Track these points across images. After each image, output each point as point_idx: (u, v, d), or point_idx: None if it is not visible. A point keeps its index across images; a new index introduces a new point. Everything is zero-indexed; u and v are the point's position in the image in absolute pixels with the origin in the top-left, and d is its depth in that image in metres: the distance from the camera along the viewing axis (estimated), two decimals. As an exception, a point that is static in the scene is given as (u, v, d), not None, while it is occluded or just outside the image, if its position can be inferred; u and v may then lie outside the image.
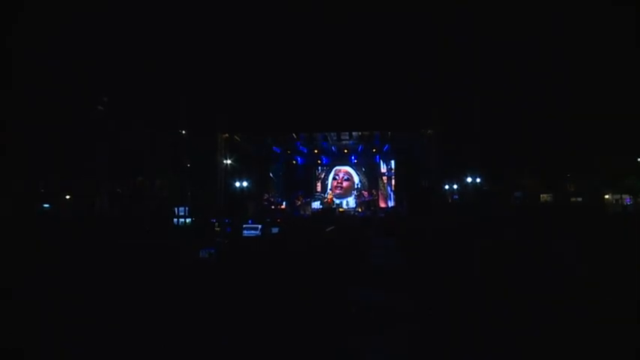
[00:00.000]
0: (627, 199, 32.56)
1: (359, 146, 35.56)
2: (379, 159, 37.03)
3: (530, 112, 28.09)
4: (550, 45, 26.37)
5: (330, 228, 20.26)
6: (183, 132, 29.37)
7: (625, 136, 27.60)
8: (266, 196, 36.26)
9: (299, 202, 35.98)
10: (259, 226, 21.46)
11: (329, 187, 37.84)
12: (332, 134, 32.82)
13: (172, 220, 23.87)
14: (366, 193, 37.06)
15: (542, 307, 6.39)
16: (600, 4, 24.51)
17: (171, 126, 28.58)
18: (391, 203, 36.40)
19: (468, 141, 29.00)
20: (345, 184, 38.07)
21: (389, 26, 24.31)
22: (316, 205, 36.85)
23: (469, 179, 33.06)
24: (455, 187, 36.56)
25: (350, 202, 37.37)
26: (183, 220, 24.21)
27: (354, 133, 32.98)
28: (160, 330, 5.86)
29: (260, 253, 13.34)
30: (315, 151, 36.34)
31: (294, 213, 34.52)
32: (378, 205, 36.43)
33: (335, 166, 38.13)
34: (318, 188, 38.13)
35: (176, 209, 24.67)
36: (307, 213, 35.19)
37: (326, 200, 36.60)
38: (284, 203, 36.96)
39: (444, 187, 34.24)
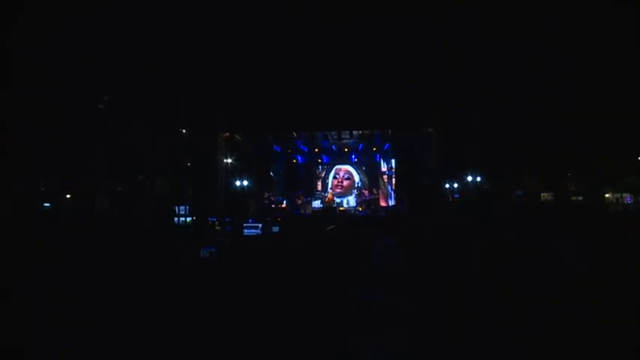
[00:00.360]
0: (628, 198, 32.57)
1: (359, 145, 35.56)
2: (380, 158, 37.02)
3: (530, 112, 28.08)
4: (550, 45, 26.36)
5: (331, 227, 20.24)
6: (184, 131, 29.39)
7: (625, 136, 27.61)
8: (266, 195, 36.27)
9: (299, 201, 35.98)
10: (260, 225, 21.47)
11: (329, 185, 37.83)
12: (332, 133, 32.81)
13: (173, 219, 23.90)
14: (366, 192, 37.05)
15: (542, 307, 6.39)
16: (600, 4, 24.49)
17: (172, 125, 28.58)
18: (392, 202, 36.39)
19: (468, 140, 29.00)
20: (345, 183, 38.06)
21: (389, 26, 24.29)
22: (317, 204, 36.85)
23: (469, 178, 33.08)
24: (455, 185, 36.57)
25: (350, 201, 37.36)
26: (183, 219, 24.24)
27: (354, 132, 32.98)
28: (160, 330, 5.86)
29: (261, 252, 13.33)
30: (316, 150, 36.35)
31: (294, 212, 34.52)
32: (379, 204, 36.43)
33: (335, 164, 38.13)
34: (319, 187, 38.12)
35: (177, 208, 24.70)
36: (308, 212, 35.20)
37: (326, 199, 36.59)
38: (284, 202, 36.96)
39: (444, 186, 34.25)
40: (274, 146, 35.64)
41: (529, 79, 27.39)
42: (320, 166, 38.36)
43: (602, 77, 26.59)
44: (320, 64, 26.41)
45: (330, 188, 37.52)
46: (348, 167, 38.02)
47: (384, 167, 37.21)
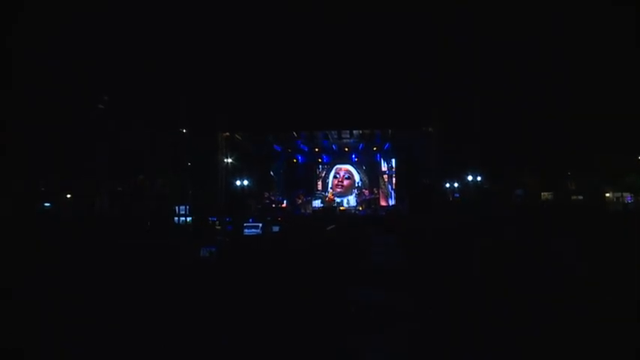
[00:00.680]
0: (628, 198, 32.57)
1: (360, 145, 35.57)
2: (380, 157, 37.02)
3: (530, 112, 28.07)
4: (550, 45, 26.35)
5: (331, 226, 20.25)
6: (184, 131, 29.40)
7: (625, 135, 27.61)
8: (267, 194, 36.26)
9: (300, 201, 35.98)
10: (260, 225, 21.48)
11: (330, 185, 37.84)
12: (332, 133, 32.82)
13: (173, 219, 23.91)
14: (366, 192, 37.06)
15: (542, 307, 6.39)
16: (600, 4, 24.49)
17: (172, 125, 28.59)
18: (392, 201, 36.39)
19: (468, 140, 29.01)
20: (345, 182, 38.08)
21: (389, 26, 24.29)
22: (317, 203, 36.84)
23: (470, 177, 33.09)
24: (456, 185, 36.58)
25: (351, 200, 37.37)
26: (184, 218, 24.25)
27: (354, 132, 32.98)
28: (160, 329, 5.87)
29: (261, 251, 13.33)
30: (316, 149, 36.36)
31: (294, 211, 34.52)
32: (379, 203, 36.42)
33: (336, 164, 38.13)
34: (319, 187, 38.13)
35: (177, 208, 24.72)
36: (308, 211, 35.19)
37: (327, 199, 36.58)
38: (285, 202, 36.96)
39: (444, 186, 34.26)
40: (274, 146, 35.65)
41: (529, 79, 27.39)
42: (320, 166, 38.37)
43: (602, 77, 26.59)
44: (320, 63, 26.42)
45: (331, 188, 37.53)
46: (349, 167, 38.03)
47: (384, 167, 37.22)
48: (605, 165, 29.60)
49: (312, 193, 37.48)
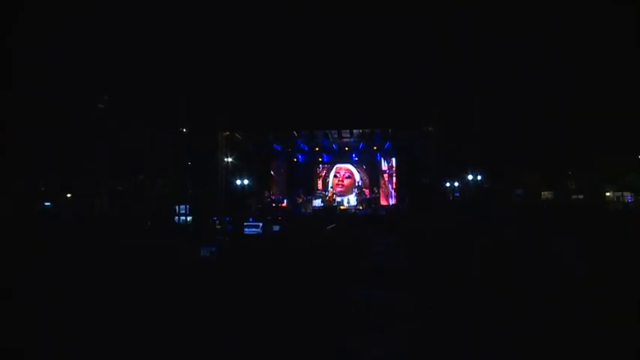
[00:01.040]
0: (628, 197, 32.56)
1: (360, 144, 35.51)
2: (380, 157, 36.98)
3: (530, 112, 28.07)
4: (550, 45, 26.35)
5: (331, 226, 20.27)
6: (184, 130, 29.39)
7: (625, 135, 27.62)
8: (267, 193, 36.23)
9: (300, 200, 35.91)
10: (260, 224, 21.50)
11: (330, 184, 37.81)
12: (333, 132, 32.79)
13: (173, 218, 23.91)
14: (367, 191, 37.01)
15: (542, 306, 6.40)
16: (600, 4, 24.49)
17: (172, 125, 28.59)
18: (392, 201, 36.37)
19: (469, 139, 29.02)
20: (346, 181, 38.03)
21: (389, 26, 24.29)
22: (317, 202, 36.79)
23: (470, 177, 33.09)
24: (456, 184, 36.57)
25: (351, 199, 37.32)
26: (184, 218, 24.25)
27: (355, 131, 32.95)
28: (160, 329, 5.87)
29: (261, 251, 13.34)
30: (317, 148, 36.33)
31: (295, 211, 34.46)
32: (379, 202, 36.38)
33: (336, 163, 38.10)
34: (319, 186, 38.09)
35: (177, 207, 24.71)
36: (308, 211, 35.13)
37: (327, 198, 36.54)
38: (285, 201, 36.93)
39: (444, 185, 34.26)
40: (275, 145, 35.62)
41: (529, 79, 27.39)
42: (320, 165, 38.34)
43: (602, 77, 26.59)
44: (320, 63, 26.43)
45: (331, 187, 37.49)
46: (349, 166, 38.00)
47: (384, 166, 37.17)
48: (605, 164, 29.61)
49: (313, 193, 37.44)
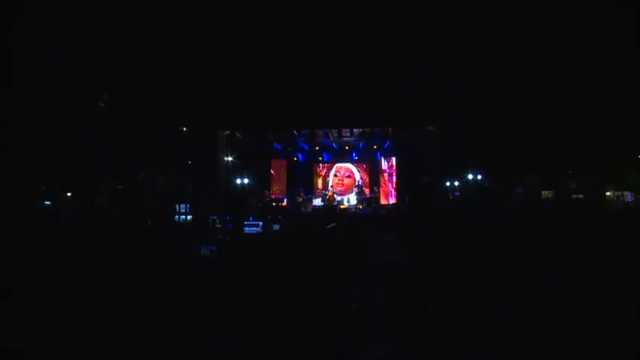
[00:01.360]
0: (629, 196, 32.54)
1: (360, 143, 35.52)
2: (380, 156, 36.96)
3: (530, 112, 28.07)
4: (550, 45, 26.35)
5: (331, 225, 20.28)
6: (184, 129, 29.39)
7: (625, 135, 27.64)
8: (267, 193, 36.23)
9: (300, 199, 35.87)
10: (260, 223, 21.48)
11: (330, 184, 37.80)
12: (333, 131, 32.80)
13: (173, 217, 23.90)
14: (367, 191, 36.99)
15: (542, 306, 6.40)
16: (600, 4, 24.48)
17: (172, 125, 28.59)
18: (392, 200, 36.35)
19: (469, 139, 29.02)
20: (346, 181, 38.03)
21: (389, 26, 24.30)
22: (317, 202, 36.79)
23: (470, 176, 33.09)
24: (456, 183, 36.56)
25: (351, 199, 37.30)
26: (184, 217, 24.23)
27: (355, 130, 32.95)
28: (159, 329, 5.87)
29: (261, 250, 13.34)
30: (317, 148, 36.34)
31: (295, 210, 34.44)
32: (379, 202, 36.36)
33: (336, 163, 38.10)
34: (320, 185, 38.09)
35: (177, 206, 24.70)
36: (308, 210, 35.11)
37: (327, 197, 36.53)
38: (285, 200, 36.92)
39: (444, 184, 34.26)
40: (275, 144, 35.62)
41: (529, 79, 27.38)
42: (320, 164, 38.34)
43: (602, 77, 26.59)
44: (320, 63, 26.43)
45: (331, 186, 37.47)
46: (349, 165, 38.01)
47: (384, 165, 37.15)
48: (606, 164, 29.62)
49: (313, 192, 37.44)
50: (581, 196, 32.39)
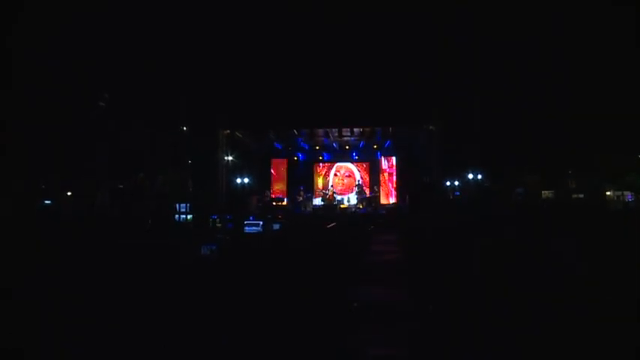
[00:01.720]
0: (629, 196, 32.54)
1: (360, 143, 35.50)
2: (380, 155, 36.94)
3: (530, 112, 28.07)
4: (550, 45, 26.35)
5: (331, 225, 20.30)
6: (184, 129, 29.40)
7: (625, 135, 27.64)
8: (267, 192, 36.22)
9: (300, 198, 35.85)
10: (261, 223, 21.49)
11: (330, 183, 37.79)
12: (333, 131, 32.79)
13: (174, 217, 23.90)
14: (367, 190, 36.96)
15: (542, 306, 6.39)
16: (600, 4, 24.48)
17: (172, 124, 28.58)
18: (392, 200, 36.34)
19: (469, 139, 29.03)
20: (346, 180, 38.02)
21: (389, 26, 24.30)
22: (317, 201, 36.77)
23: (470, 176, 33.10)
24: (456, 183, 36.57)
25: (351, 198, 37.27)
26: (184, 216, 24.23)
27: (355, 130, 32.95)
28: (159, 329, 5.87)
29: (261, 250, 13.34)
30: (317, 147, 36.33)
31: (295, 210, 34.43)
32: (379, 201, 36.34)
33: (336, 162, 38.09)
34: (320, 185, 38.08)
35: (177, 206, 24.70)
36: (308, 209, 35.09)
37: (327, 197, 36.50)
38: (285, 200, 36.90)
39: (445, 184, 34.26)
40: (275, 144, 35.61)
41: (529, 79, 27.38)
42: (321, 164, 38.33)
43: (602, 77, 26.59)
44: (321, 62, 26.44)
45: (331, 186, 37.45)
46: (349, 165, 38.00)
47: (384, 165, 37.13)
48: (606, 164, 29.62)
49: (313, 191, 37.42)
50: (581, 196, 32.39)
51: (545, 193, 33.45)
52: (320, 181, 38.17)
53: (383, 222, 23.57)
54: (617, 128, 27.31)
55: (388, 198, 36.61)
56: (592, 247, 10.05)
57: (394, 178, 36.55)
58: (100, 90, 26.38)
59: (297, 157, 37.58)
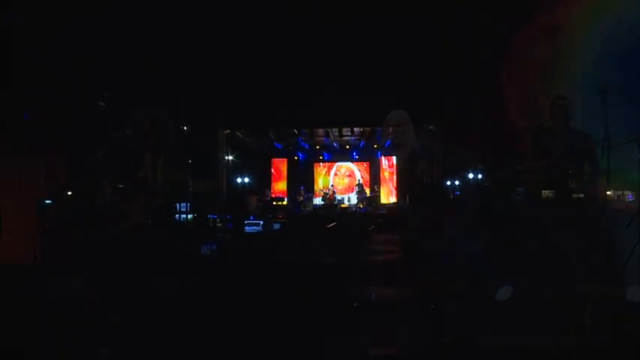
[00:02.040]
0: (629, 196, 32.49)
1: (361, 142, 35.54)
2: (381, 155, 36.98)
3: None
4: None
5: (332, 224, 20.32)
6: (184, 128, 29.36)
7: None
8: (267, 192, 36.24)
9: (300, 198, 35.87)
10: (261, 222, 21.51)
11: (330, 183, 37.83)
12: (334, 130, 32.83)
13: (174, 216, 23.90)
14: (367, 190, 36.98)
15: (542, 305, 6.40)
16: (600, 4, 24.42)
17: (172, 124, 28.49)
18: (393, 199, 36.38)
19: (468, 139, 28.97)
20: (346, 180, 38.10)
21: (389, 26, 24.27)
22: (318, 201, 36.80)
23: (470, 175, 33.05)
24: (457, 183, 36.54)
25: (352, 198, 37.32)
26: (184, 216, 24.24)
27: (355, 129, 32.98)
28: (159, 328, 5.88)
29: (262, 249, 13.37)
30: (317, 147, 36.38)
31: (295, 209, 34.44)
32: (380, 201, 36.37)
33: (337, 162, 38.14)
34: (320, 184, 38.12)
35: (177, 205, 24.71)
36: (309, 209, 35.12)
37: (328, 196, 36.53)
38: (285, 199, 36.94)
39: (445, 183, 34.25)
40: (275, 143, 35.64)
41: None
42: (321, 164, 38.38)
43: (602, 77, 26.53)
44: (321, 62, 26.39)
45: (332, 185, 37.49)
46: (350, 164, 38.07)
47: (385, 164, 37.17)
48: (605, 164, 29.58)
49: (313, 191, 37.46)
50: (581, 195, 32.33)
51: (546, 193, 33.40)
52: (320, 181, 38.22)
53: (383, 221, 23.57)
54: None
55: (388, 197, 36.65)
56: (592, 247, 10.05)
57: (394, 177, 36.59)
58: (101, 90, 26.32)
59: (298, 156, 37.60)
